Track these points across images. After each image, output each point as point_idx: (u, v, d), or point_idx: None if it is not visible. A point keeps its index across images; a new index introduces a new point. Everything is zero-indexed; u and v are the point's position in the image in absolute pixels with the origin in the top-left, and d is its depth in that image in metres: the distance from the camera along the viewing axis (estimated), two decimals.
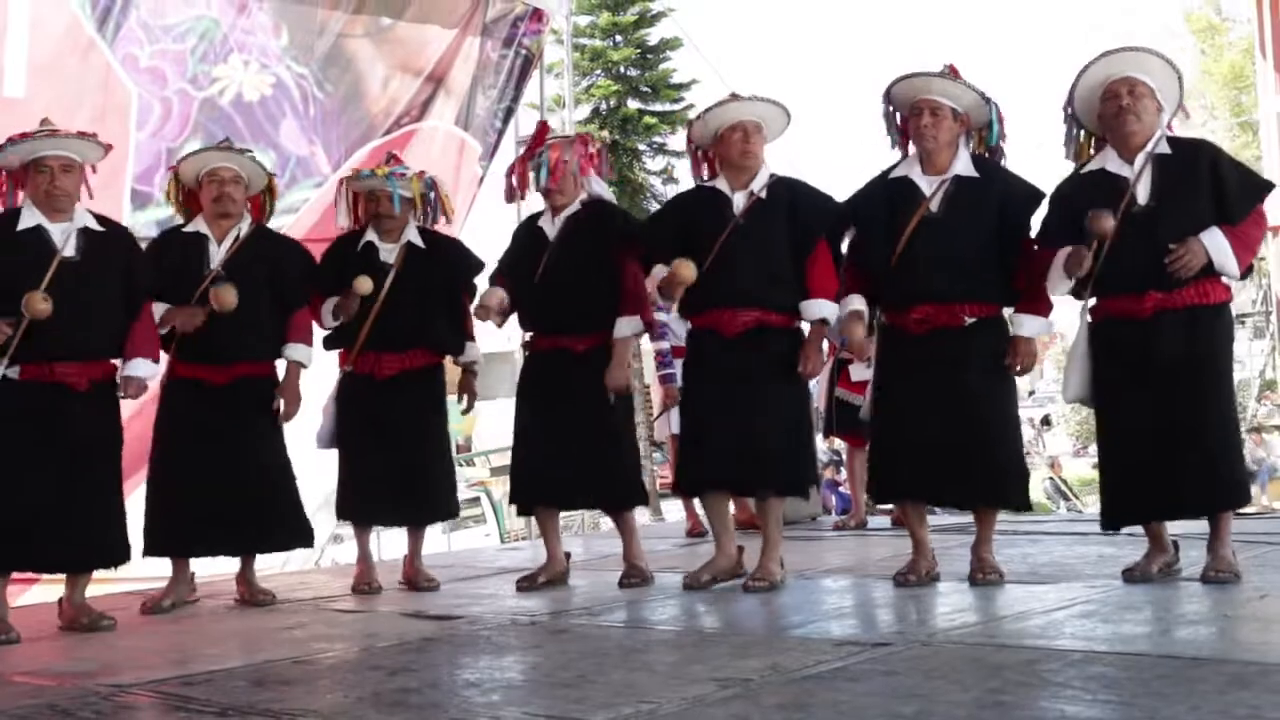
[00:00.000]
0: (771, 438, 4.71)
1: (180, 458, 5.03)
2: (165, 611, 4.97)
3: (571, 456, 5.01)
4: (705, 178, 5.00)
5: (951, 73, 4.65)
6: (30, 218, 4.62)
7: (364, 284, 5.10)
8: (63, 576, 4.76)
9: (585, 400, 5.02)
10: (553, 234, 5.13)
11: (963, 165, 4.64)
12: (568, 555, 5.32)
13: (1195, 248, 4.22)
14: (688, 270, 4.64)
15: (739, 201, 4.80)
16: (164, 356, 5.01)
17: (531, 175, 5.21)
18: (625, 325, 5.06)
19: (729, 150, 4.84)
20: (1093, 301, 4.46)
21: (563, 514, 9.13)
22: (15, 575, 4.74)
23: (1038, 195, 4.65)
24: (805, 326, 4.79)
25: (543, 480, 5.12)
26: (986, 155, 4.74)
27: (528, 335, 5.28)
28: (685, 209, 5.04)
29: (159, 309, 4.94)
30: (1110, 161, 4.43)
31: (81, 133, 4.79)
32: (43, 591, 5.19)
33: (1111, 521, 4.49)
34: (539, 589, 5.07)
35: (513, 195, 5.44)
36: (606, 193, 5.34)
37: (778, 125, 4.93)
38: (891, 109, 4.81)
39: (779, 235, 4.75)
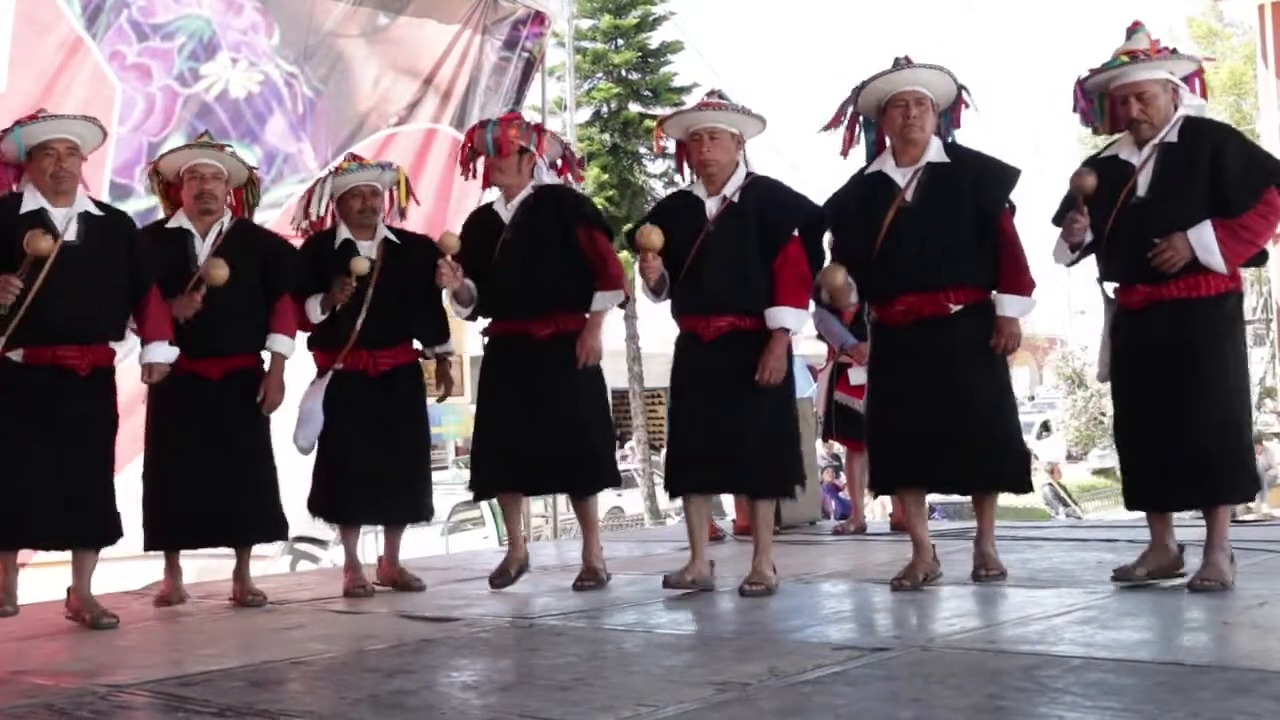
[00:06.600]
0: (750, 440, 4.69)
1: (177, 453, 5.03)
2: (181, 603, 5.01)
3: (536, 441, 4.98)
4: (687, 179, 5.00)
5: (908, 62, 4.65)
6: (33, 201, 4.63)
7: (360, 264, 5.13)
8: (65, 567, 4.76)
9: (550, 384, 5.00)
10: (507, 218, 5.10)
11: (934, 152, 4.65)
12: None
13: (1178, 244, 4.21)
14: (655, 236, 4.62)
15: (712, 207, 4.81)
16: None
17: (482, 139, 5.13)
18: (605, 299, 5.09)
19: (691, 156, 4.86)
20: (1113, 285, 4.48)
21: (561, 517, 9.10)
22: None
23: (1012, 172, 4.65)
24: None
25: (505, 465, 5.09)
26: (947, 137, 4.74)
27: (486, 322, 5.22)
28: (665, 216, 5.00)
29: None
30: (1125, 148, 4.44)
31: (85, 116, 4.82)
32: (42, 583, 5.18)
33: (1128, 503, 4.52)
34: (511, 580, 5.11)
35: (466, 168, 5.29)
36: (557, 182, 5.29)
37: (750, 129, 4.88)
38: (855, 112, 4.79)
39: (749, 238, 4.73)
